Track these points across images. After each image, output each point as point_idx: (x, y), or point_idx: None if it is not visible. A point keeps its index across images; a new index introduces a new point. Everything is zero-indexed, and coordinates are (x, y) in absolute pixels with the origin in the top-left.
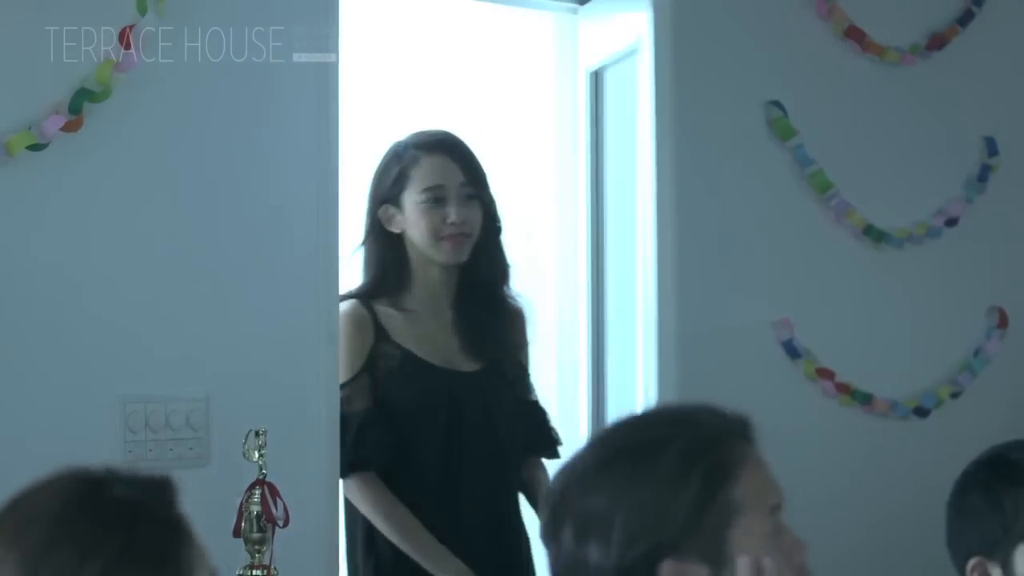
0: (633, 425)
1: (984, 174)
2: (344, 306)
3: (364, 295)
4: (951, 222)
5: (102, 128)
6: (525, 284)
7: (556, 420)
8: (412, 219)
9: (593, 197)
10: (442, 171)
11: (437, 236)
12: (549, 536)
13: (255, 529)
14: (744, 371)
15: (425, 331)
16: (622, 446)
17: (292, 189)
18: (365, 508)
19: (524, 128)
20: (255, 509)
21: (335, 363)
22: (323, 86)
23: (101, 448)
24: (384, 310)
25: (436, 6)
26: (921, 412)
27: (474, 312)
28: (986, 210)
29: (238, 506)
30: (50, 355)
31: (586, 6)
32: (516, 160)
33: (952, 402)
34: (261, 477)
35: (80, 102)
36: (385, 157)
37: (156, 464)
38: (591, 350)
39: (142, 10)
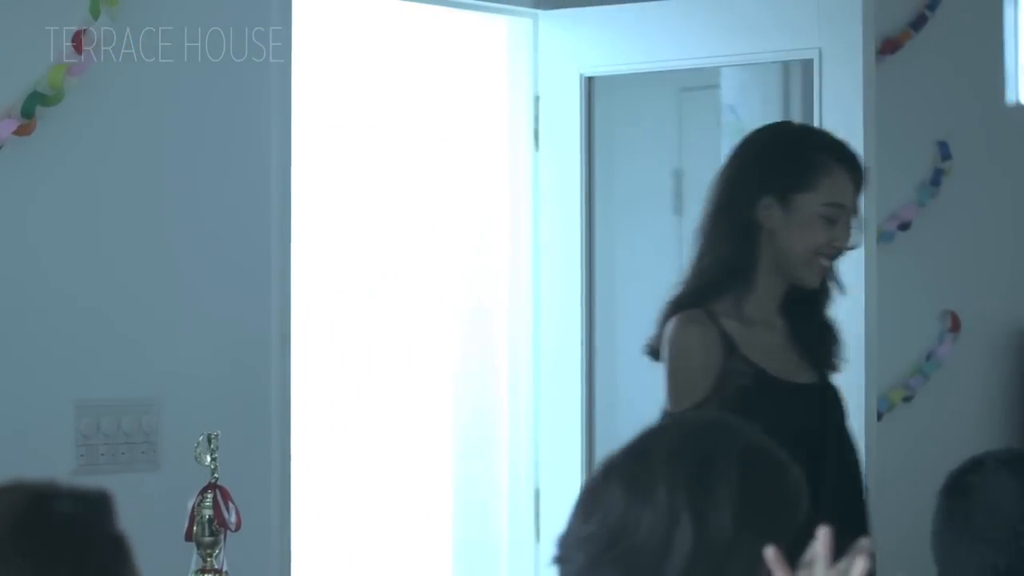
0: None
1: (937, 178)
2: (685, 317)
3: (702, 301)
4: (904, 226)
5: (55, 132)
6: (477, 290)
7: (507, 425)
8: (798, 224)
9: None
10: (847, 189)
11: (817, 253)
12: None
13: (207, 533)
14: None
15: (768, 343)
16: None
17: (245, 192)
18: None
19: (477, 135)
20: (207, 513)
21: (288, 366)
22: (276, 87)
23: (53, 452)
24: (728, 322)
25: (389, 9)
26: None
27: (810, 321)
28: (939, 214)
29: (190, 510)
30: (3, 360)
31: (549, 12)
32: (469, 164)
33: (904, 405)
34: (213, 481)
35: (32, 106)
36: (780, 143)
37: (109, 468)
38: (535, 355)
39: (95, 13)
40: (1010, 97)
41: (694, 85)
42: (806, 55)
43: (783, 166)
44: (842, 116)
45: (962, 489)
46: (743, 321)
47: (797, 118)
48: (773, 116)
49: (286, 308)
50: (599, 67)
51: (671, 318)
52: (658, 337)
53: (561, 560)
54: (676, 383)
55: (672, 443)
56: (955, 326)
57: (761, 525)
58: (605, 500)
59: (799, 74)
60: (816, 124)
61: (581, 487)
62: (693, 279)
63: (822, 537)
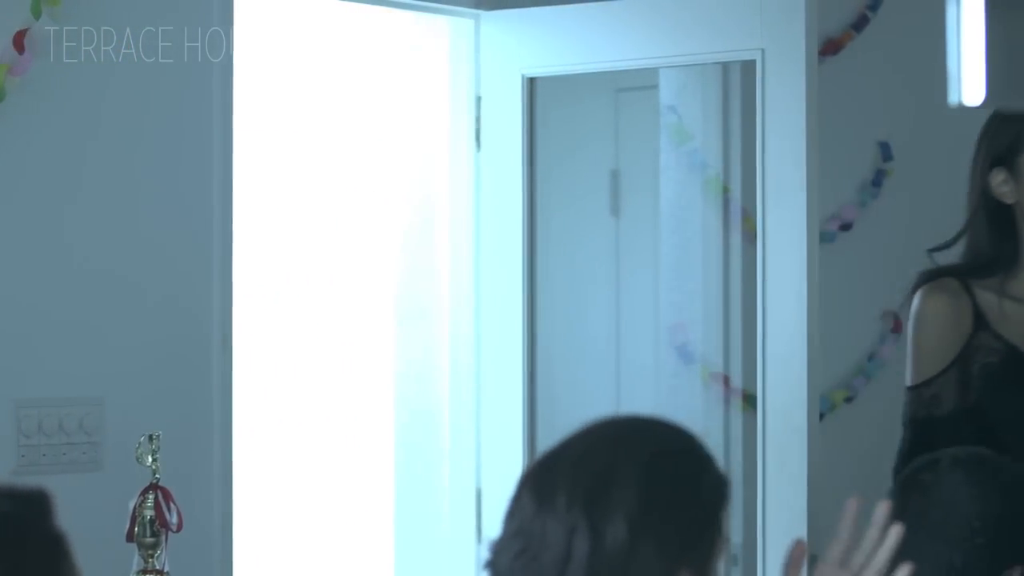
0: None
1: (878, 179)
2: (933, 285)
3: (960, 272)
4: (845, 227)
5: None
6: (418, 290)
7: (448, 425)
8: None
9: (478, 203)
10: None
11: None
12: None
13: (148, 534)
14: (638, 375)
15: None
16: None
17: (187, 192)
18: None
19: (418, 135)
20: (148, 514)
21: (229, 367)
22: (218, 87)
23: None
24: (984, 294)
25: (330, 9)
26: None
27: None
28: (880, 215)
29: (131, 510)
30: None
31: (493, 12)
32: (411, 164)
33: (846, 406)
34: (155, 481)
35: None
36: (994, 116)
37: (50, 468)
38: (476, 356)
39: (36, 13)
40: (952, 98)
41: (631, 86)
42: (749, 56)
43: (999, 134)
44: (784, 117)
45: (918, 487)
46: (1006, 297)
47: (737, 118)
48: (713, 116)
49: (228, 309)
50: (541, 68)
51: (920, 288)
52: (905, 308)
53: (490, 564)
54: (916, 354)
55: (579, 451)
56: (897, 327)
57: (666, 531)
58: (520, 506)
59: (739, 74)
60: (758, 124)
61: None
62: (963, 256)
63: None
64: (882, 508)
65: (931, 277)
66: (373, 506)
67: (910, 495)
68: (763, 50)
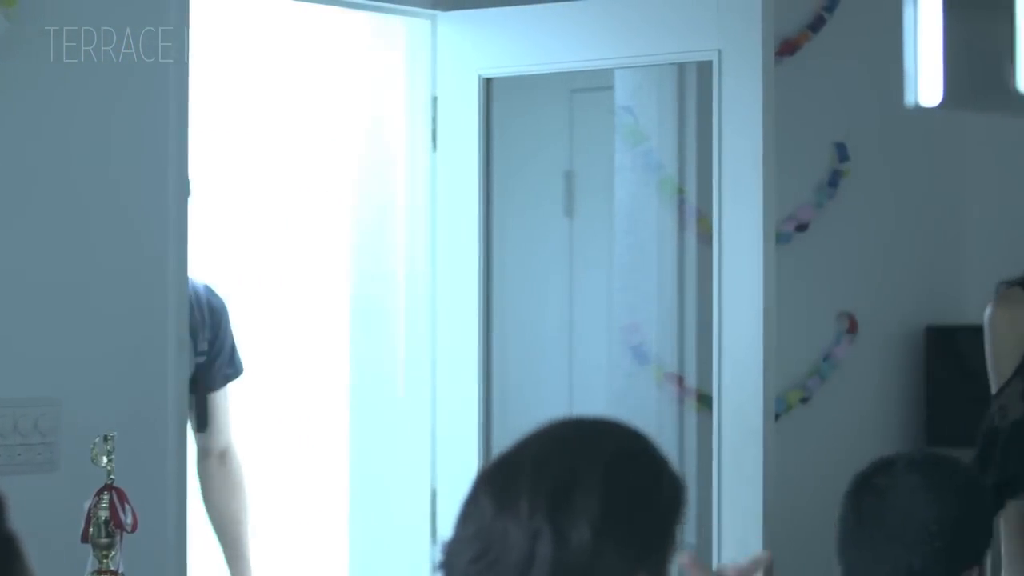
0: None
1: (834, 179)
2: (1003, 295)
3: None
4: (801, 227)
5: None
6: (374, 291)
7: (404, 425)
8: None
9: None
10: None
11: None
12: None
13: (103, 535)
14: (592, 376)
15: None
16: None
17: (142, 190)
18: (1005, 544)
19: (375, 136)
20: (103, 515)
21: (184, 369)
22: (174, 87)
23: None
24: None
25: (287, 10)
26: None
27: None
28: (836, 216)
29: (86, 511)
30: None
31: (449, 13)
32: (367, 165)
33: (801, 407)
34: (109, 482)
35: None
36: None
37: (5, 468)
38: (432, 355)
39: None
40: (909, 99)
41: (586, 86)
42: (705, 57)
43: None
44: (741, 117)
45: (874, 490)
46: None
47: (692, 119)
48: (669, 117)
49: (183, 310)
50: (497, 68)
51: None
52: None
53: (444, 565)
54: (989, 364)
55: (538, 455)
56: (852, 327)
57: (627, 534)
58: (478, 509)
59: (694, 74)
60: (714, 125)
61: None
62: None
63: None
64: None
65: (1007, 287)
66: (328, 506)
67: (864, 498)
68: (720, 51)
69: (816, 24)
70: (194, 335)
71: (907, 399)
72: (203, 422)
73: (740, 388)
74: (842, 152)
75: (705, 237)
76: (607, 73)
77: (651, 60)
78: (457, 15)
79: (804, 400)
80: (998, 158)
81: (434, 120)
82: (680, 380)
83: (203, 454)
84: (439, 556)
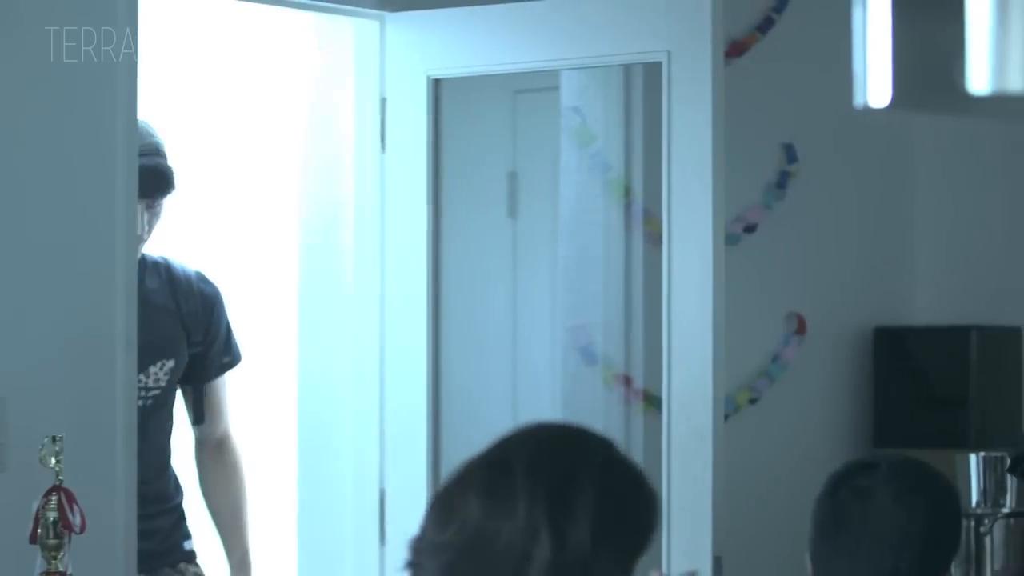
0: None
1: (783, 181)
2: None
3: None
4: (750, 228)
5: None
6: (323, 292)
7: (352, 427)
8: None
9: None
10: None
11: None
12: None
13: (51, 535)
14: (539, 376)
15: None
16: None
17: (90, 190)
18: None
19: (323, 137)
20: (51, 515)
21: (133, 370)
22: (122, 87)
23: None
24: None
25: (235, 10)
26: None
27: None
28: (785, 217)
29: (34, 512)
30: None
31: (397, 14)
32: (316, 167)
33: (750, 407)
34: (58, 483)
35: None
36: None
37: None
38: (380, 357)
39: None
40: (858, 100)
41: (532, 87)
42: (654, 58)
43: None
44: (690, 118)
45: (857, 492)
46: None
47: (640, 119)
48: (616, 117)
49: (131, 311)
50: (445, 69)
51: None
52: None
53: (413, 565)
54: None
55: (532, 455)
56: (801, 328)
57: (618, 541)
58: (463, 510)
59: (641, 75)
60: (663, 126)
61: (434, 492)
62: None
63: None
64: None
65: None
66: (276, 507)
67: (845, 500)
68: (669, 52)
69: (765, 25)
70: (188, 326)
71: (856, 400)
72: (200, 414)
73: (689, 389)
74: (791, 153)
75: (653, 238)
76: (554, 74)
77: (601, 61)
78: (405, 16)
79: (753, 401)
80: (947, 159)
81: (382, 121)
82: (628, 381)
83: (199, 443)
84: (408, 556)
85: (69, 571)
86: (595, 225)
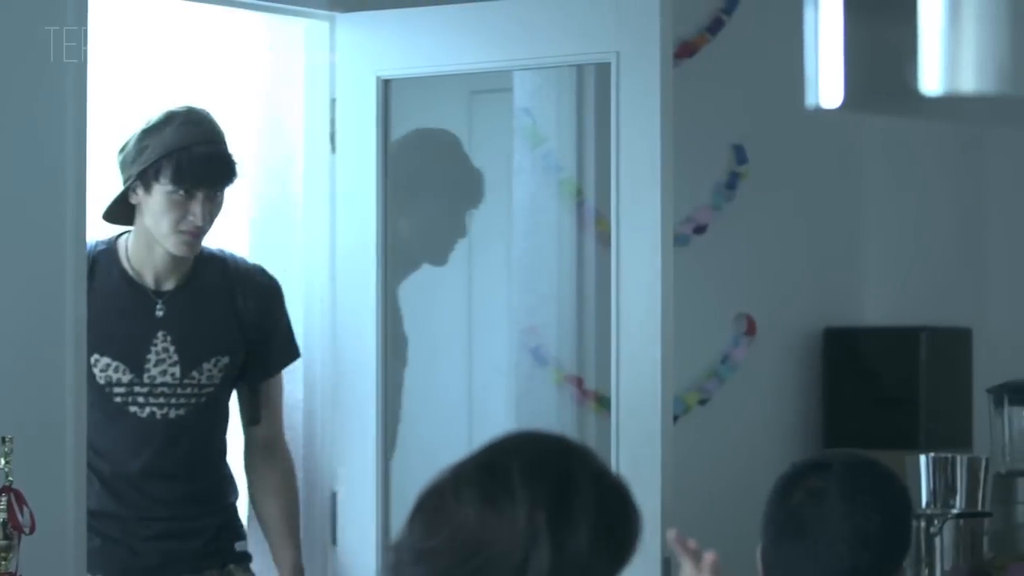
0: None
1: (733, 182)
2: None
3: None
4: (699, 229)
5: None
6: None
7: (303, 428)
8: None
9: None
10: None
11: None
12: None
13: (1, 536)
14: (492, 378)
15: None
16: None
17: (40, 191)
18: None
19: (273, 138)
20: (0, 516)
21: (83, 371)
22: (72, 87)
23: None
24: None
25: (184, 11)
26: None
27: None
28: (735, 218)
29: None
30: None
31: (347, 15)
32: (266, 168)
33: (700, 408)
34: (7, 484)
35: None
36: None
37: None
38: (332, 358)
39: None
40: (810, 100)
41: (485, 88)
42: (604, 59)
43: None
44: (639, 119)
45: (811, 493)
46: None
47: (591, 120)
48: (568, 118)
49: (81, 310)
50: (396, 70)
51: None
52: None
53: (396, 571)
54: None
55: (530, 460)
56: (751, 329)
57: (612, 548)
58: (456, 516)
59: (593, 76)
60: (612, 127)
61: (419, 498)
62: None
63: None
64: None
65: None
66: None
67: (799, 500)
68: (618, 53)
69: (714, 26)
70: (245, 322)
71: (806, 401)
72: (256, 415)
73: (638, 390)
74: (740, 154)
75: (604, 239)
76: (506, 75)
77: (550, 62)
78: (355, 16)
79: (703, 402)
80: (897, 160)
81: (332, 122)
82: (579, 382)
83: (249, 445)
84: (390, 559)
85: (18, 572)
86: (547, 226)
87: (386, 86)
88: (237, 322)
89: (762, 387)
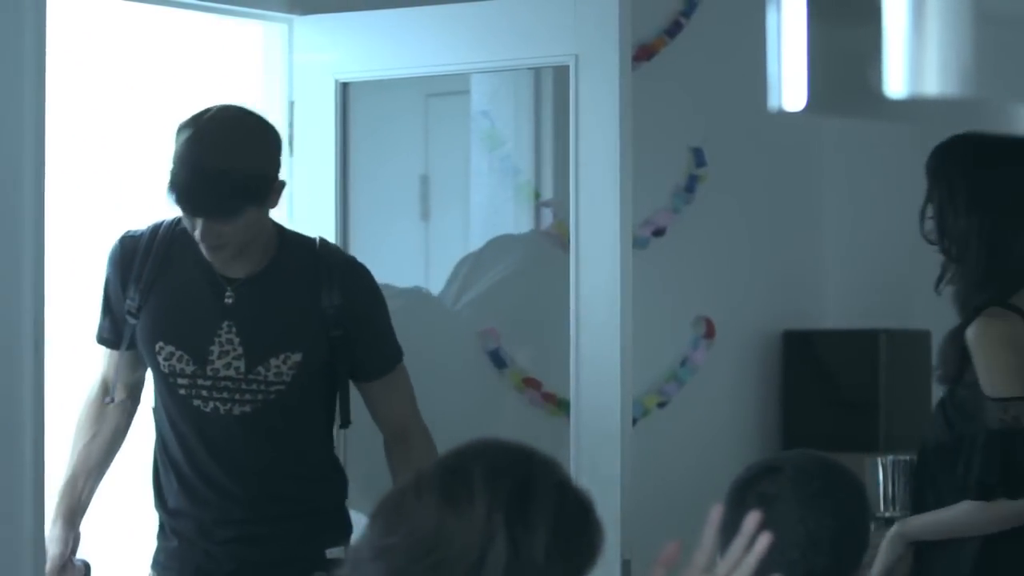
0: None
1: (691, 184)
2: (1000, 322)
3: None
4: (658, 232)
5: None
6: None
7: None
8: None
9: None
10: None
11: None
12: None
13: None
14: (450, 381)
15: None
16: None
17: None
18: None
19: None
20: None
21: (42, 373)
22: (30, 90)
23: None
24: None
25: (142, 13)
26: None
27: None
28: (694, 220)
29: None
30: None
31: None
32: None
33: (658, 411)
34: None
35: None
36: None
37: None
38: None
39: None
40: (773, 103)
41: (442, 91)
42: (562, 61)
43: None
44: (598, 122)
45: (762, 498)
46: None
47: (549, 123)
48: (526, 121)
49: (40, 312)
50: (354, 73)
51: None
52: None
53: (355, 569)
54: (992, 373)
55: (492, 463)
56: (710, 332)
57: (570, 556)
58: (415, 514)
59: (551, 79)
60: (571, 130)
61: (381, 498)
62: (988, 269)
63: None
64: (715, 512)
65: (988, 306)
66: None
67: (751, 505)
68: (577, 56)
69: (673, 29)
70: (328, 318)
71: (765, 404)
72: (346, 417)
73: (597, 393)
74: (699, 157)
75: (562, 242)
76: (464, 78)
77: (508, 65)
78: (314, 19)
79: (662, 404)
80: (855, 163)
81: (291, 124)
82: (538, 385)
83: (384, 443)
84: (347, 558)
85: None
86: (505, 229)
87: (344, 89)
88: (319, 317)
89: (721, 390)
